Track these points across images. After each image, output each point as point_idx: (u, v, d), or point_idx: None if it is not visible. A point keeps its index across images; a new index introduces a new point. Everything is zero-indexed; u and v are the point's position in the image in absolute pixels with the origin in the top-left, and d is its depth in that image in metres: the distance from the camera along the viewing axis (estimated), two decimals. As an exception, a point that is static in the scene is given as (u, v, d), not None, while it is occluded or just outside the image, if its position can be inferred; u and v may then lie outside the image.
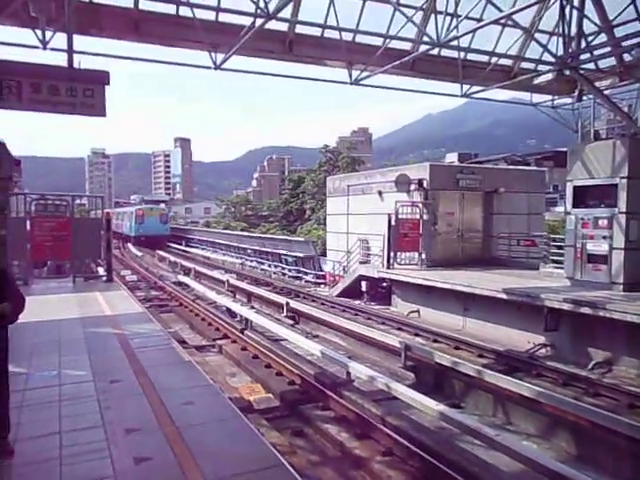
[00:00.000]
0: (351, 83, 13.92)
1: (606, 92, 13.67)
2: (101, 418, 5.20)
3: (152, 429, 4.95)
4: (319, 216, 54.02)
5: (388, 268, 17.04)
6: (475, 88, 15.20)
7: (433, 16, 11.91)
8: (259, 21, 10.96)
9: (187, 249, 44.28)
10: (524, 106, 17.99)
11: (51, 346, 8.09)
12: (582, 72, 12.79)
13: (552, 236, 17.98)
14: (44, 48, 10.42)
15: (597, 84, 13.61)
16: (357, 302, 17.88)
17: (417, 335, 13.19)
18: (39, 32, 10.25)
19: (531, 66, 15.20)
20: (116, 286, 15.53)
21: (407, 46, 13.59)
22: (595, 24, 12.28)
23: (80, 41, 9.99)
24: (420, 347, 10.63)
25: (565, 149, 14.49)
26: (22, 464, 4.33)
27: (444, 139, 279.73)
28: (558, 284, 12.76)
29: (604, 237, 11.80)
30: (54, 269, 18.63)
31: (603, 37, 12.45)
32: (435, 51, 13.35)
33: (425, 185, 17.39)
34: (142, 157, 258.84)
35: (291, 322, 15.18)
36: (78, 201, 19.05)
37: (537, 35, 13.69)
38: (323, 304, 17.79)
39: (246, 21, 11.60)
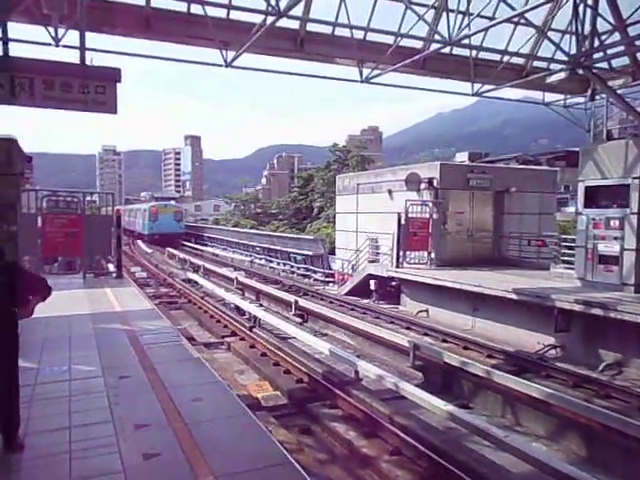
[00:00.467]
0: (362, 81, 13.88)
1: (619, 91, 13.55)
2: (110, 414, 5.22)
3: (161, 425, 4.96)
4: (328, 214, 54.01)
5: (397, 267, 17.00)
6: (487, 87, 15.11)
7: (445, 14, 11.85)
8: (270, 19, 10.96)
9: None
10: (536, 105, 17.84)
11: (61, 341, 8.15)
12: (595, 71, 12.68)
13: (563, 236, 17.84)
14: (57, 45, 10.48)
15: (610, 83, 13.50)
16: (366, 301, 17.85)
17: (426, 335, 13.15)
18: (52, 29, 10.32)
19: (543, 65, 15.09)
20: (126, 283, 15.61)
21: (418, 44, 13.53)
22: (609, 22, 12.14)
23: (92, 39, 10.07)
24: (429, 347, 10.59)
25: (577, 149, 14.38)
26: (32, 458, 4.36)
27: (455, 138, 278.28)
28: (569, 285, 12.67)
29: (615, 238, 11.70)
30: (65, 265, 18.74)
31: (617, 36, 12.31)
32: (446, 49, 13.29)
33: (435, 184, 17.31)
34: (153, 154, 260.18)
35: (299, 320, 15.18)
36: (89, 198, 19.16)
37: (550, 34, 13.57)
38: (332, 302, 17.77)
39: (257, 19, 11.61)
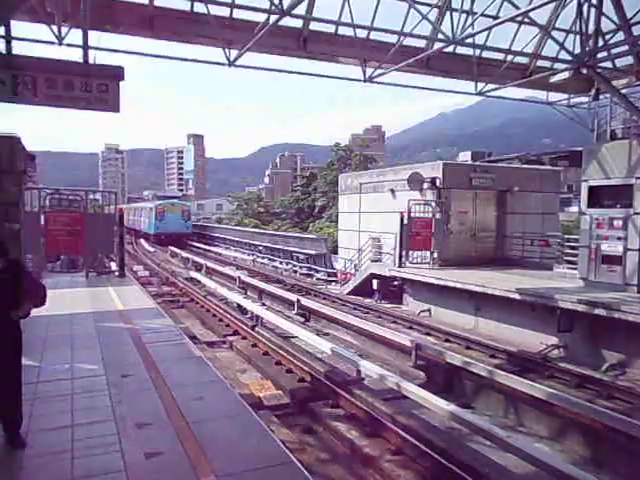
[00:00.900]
0: (365, 80, 13.85)
1: (623, 91, 13.49)
2: (112, 412, 5.23)
3: (163, 424, 4.96)
4: (331, 214, 53.99)
5: (400, 267, 16.98)
6: (490, 86, 15.06)
7: (448, 13, 11.81)
8: (273, 18, 10.93)
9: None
10: (539, 105, 17.79)
11: (64, 340, 8.16)
12: (599, 71, 12.62)
13: (566, 236, 17.80)
14: (60, 44, 10.47)
15: (614, 83, 13.43)
16: (368, 300, 17.85)
17: (428, 334, 13.14)
18: (55, 28, 10.31)
19: (547, 64, 15.02)
20: (128, 281, 15.63)
21: (422, 43, 13.48)
22: (613, 22, 12.09)
23: (96, 37, 10.07)
24: (431, 346, 10.59)
25: (580, 148, 14.34)
26: (34, 456, 4.37)
27: (458, 137, 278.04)
28: (572, 285, 12.64)
29: (619, 238, 11.66)
30: (67, 263, 18.79)
31: (621, 35, 12.26)
32: (450, 49, 13.23)
33: (438, 184, 17.29)
34: (155, 153, 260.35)
35: (302, 319, 15.19)
36: (92, 196, 19.19)
37: (554, 33, 13.51)
38: (334, 302, 17.78)
39: (260, 18, 11.59)
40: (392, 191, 19.52)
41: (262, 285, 20.03)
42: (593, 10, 11.69)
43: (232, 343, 12.08)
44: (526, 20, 12.63)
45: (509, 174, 19.05)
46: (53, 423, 4.99)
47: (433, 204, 17.19)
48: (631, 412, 7.63)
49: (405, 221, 16.77)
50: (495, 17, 12.23)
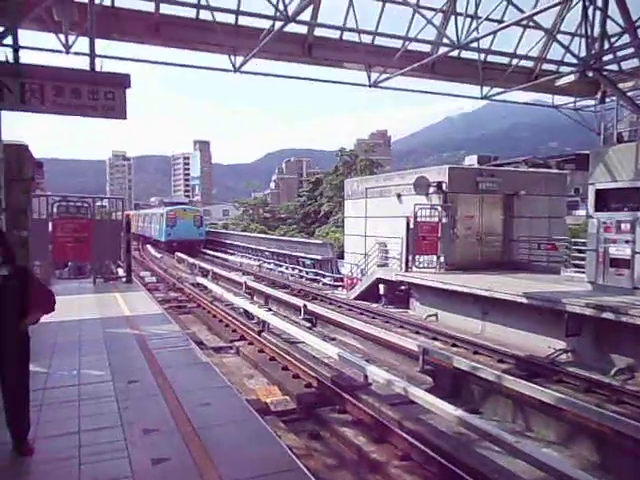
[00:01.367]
0: (370, 85, 13.88)
1: (629, 94, 13.45)
2: (119, 418, 5.23)
3: (170, 430, 4.96)
4: (337, 218, 53.99)
5: (406, 271, 16.95)
6: (495, 90, 15.06)
7: (453, 18, 11.84)
8: (278, 24, 11.00)
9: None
10: (545, 108, 17.76)
11: (71, 346, 8.18)
12: (605, 73, 12.59)
13: (573, 240, 17.72)
14: (67, 52, 10.58)
15: (620, 85, 13.40)
16: (375, 305, 17.81)
17: (435, 339, 13.09)
18: (62, 36, 10.41)
19: (553, 68, 15.02)
20: (135, 287, 15.67)
21: (427, 48, 13.52)
22: (618, 25, 12.07)
23: (102, 45, 10.15)
24: (438, 351, 10.54)
25: (587, 152, 14.29)
26: (42, 462, 4.37)
27: (463, 142, 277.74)
28: (579, 289, 12.57)
29: (627, 241, 11.59)
30: (75, 270, 18.89)
31: (626, 38, 12.23)
32: (455, 53, 13.25)
33: (444, 188, 17.26)
34: (162, 159, 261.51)
35: (308, 325, 15.17)
36: (99, 203, 19.29)
37: (559, 36, 13.50)
38: (340, 307, 17.75)
39: (265, 24, 11.66)
40: (398, 195, 19.50)
41: (268, 290, 20.04)
42: (598, 13, 11.67)
43: (239, 348, 12.08)
44: (531, 24, 12.64)
45: (515, 178, 19.00)
46: (60, 429, 5.00)
47: (439, 208, 17.16)
48: (641, 417, 7.57)
49: (411, 225, 16.75)
50: (500, 21, 12.25)
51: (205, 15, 11.63)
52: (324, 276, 25.12)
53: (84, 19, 9.26)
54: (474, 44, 12.03)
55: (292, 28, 11.85)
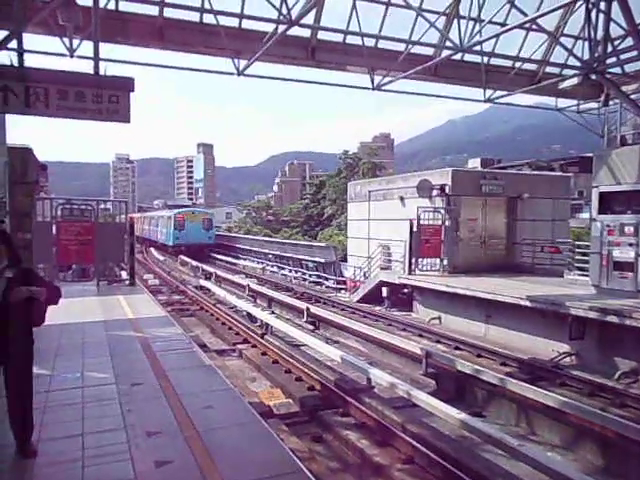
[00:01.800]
0: (373, 88, 13.90)
1: (633, 96, 13.43)
2: (123, 420, 5.24)
3: (173, 432, 4.97)
4: (340, 221, 53.97)
5: (409, 274, 16.93)
6: (499, 93, 15.06)
7: (456, 21, 11.86)
8: (281, 27, 11.02)
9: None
10: (549, 111, 17.74)
11: (75, 348, 8.20)
12: (608, 76, 12.58)
13: (577, 243, 17.68)
14: (71, 56, 10.62)
15: (623, 88, 13.38)
16: (378, 308, 17.81)
17: (438, 342, 13.07)
18: (66, 40, 10.46)
19: (556, 70, 15.00)
20: (139, 290, 15.69)
21: (430, 51, 13.52)
22: (622, 28, 12.06)
23: (106, 49, 10.19)
24: (441, 354, 10.52)
25: (590, 154, 14.27)
26: (45, 464, 4.38)
27: (467, 145, 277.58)
28: (583, 292, 12.54)
29: (630, 244, 11.56)
30: (79, 273, 18.91)
31: (630, 41, 12.22)
32: (458, 56, 13.26)
33: (447, 191, 17.25)
34: (165, 162, 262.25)
35: (311, 327, 15.18)
36: (102, 206, 19.33)
37: (562, 39, 13.51)
38: (343, 310, 17.74)
39: (269, 28, 11.68)
40: (401, 198, 19.50)
41: (271, 293, 20.05)
42: (602, 16, 11.66)
43: (242, 351, 12.09)
44: (534, 27, 12.63)
45: (519, 181, 18.99)
46: (64, 432, 5.00)
47: (442, 211, 17.15)
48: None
49: (414, 228, 16.75)
50: (503, 24, 12.25)
51: (209, 19, 11.66)
52: (327, 279, 25.12)
53: (88, 23, 9.30)
54: (477, 47, 12.04)
55: (295, 31, 11.87)
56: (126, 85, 8.18)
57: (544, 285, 14.01)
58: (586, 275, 13.68)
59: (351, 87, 14.74)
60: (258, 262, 34.01)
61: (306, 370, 9.83)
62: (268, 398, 8.55)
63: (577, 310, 10.77)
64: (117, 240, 15.84)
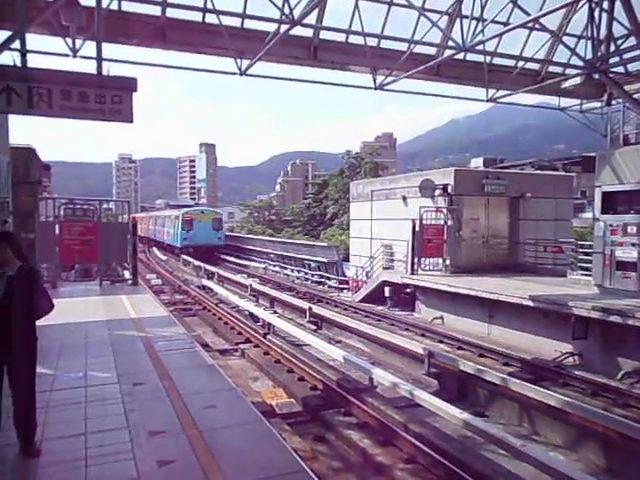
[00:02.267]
0: (375, 88, 13.90)
1: (636, 96, 13.40)
2: (125, 420, 5.25)
3: (175, 432, 4.97)
4: (342, 221, 53.91)
5: (412, 274, 16.92)
6: (501, 92, 15.04)
7: (458, 20, 11.83)
8: (284, 27, 11.03)
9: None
10: (551, 110, 17.71)
11: (78, 348, 8.21)
12: (611, 76, 12.55)
13: (580, 243, 17.65)
14: (74, 56, 10.65)
15: (626, 88, 13.35)
16: (380, 308, 17.80)
17: (441, 342, 13.06)
18: (69, 41, 10.49)
19: (559, 70, 14.98)
20: (141, 289, 15.71)
21: (432, 51, 13.53)
22: (625, 27, 12.04)
23: (109, 49, 10.21)
24: (444, 354, 10.52)
25: (593, 154, 14.24)
26: (48, 464, 4.39)
27: (469, 144, 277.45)
28: (586, 291, 12.52)
29: (633, 244, 11.55)
30: (82, 272, 18.94)
31: (632, 40, 12.19)
32: (460, 55, 13.25)
33: (450, 190, 17.23)
34: (168, 162, 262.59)
35: (314, 327, 15.17)
36: (105, 206, 19.37)
37: (565, 38, 13.48)
38: (346, 309, 17.75)
39: (271, 27, 11.70)
40: (404, 198, 19.48)
41: (274, 293, 20.06)
42: (604, 15, 11.64)
43: (244, 351, 12.10)
44: (537, 26, 12.62)
45: (521, 180, 18.95)
46: (67, 431, 5.01)
47: (445, 211, 17.13)
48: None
49: (417, 228, 16.73)
50: (505, 23, 12.25)
51: (211, 19, 11.68)
52: (329, 279, 25.10)
53: (91, 23, 9.32)
54: (480, 47, 12.04)
55: (298, 31, 11.89)
56: (129, 85, 8.18)
57: (547, 285, 13.98)
58: (589, 275, 13.65)
59: (353, 87, 14.75)
60: (260, 262, 34.00)
61: (308, 370, 9.83)
62: (271, 398, 8.56)
63: (580, 310, 10.75)
64: (120, 240, 15.87)
